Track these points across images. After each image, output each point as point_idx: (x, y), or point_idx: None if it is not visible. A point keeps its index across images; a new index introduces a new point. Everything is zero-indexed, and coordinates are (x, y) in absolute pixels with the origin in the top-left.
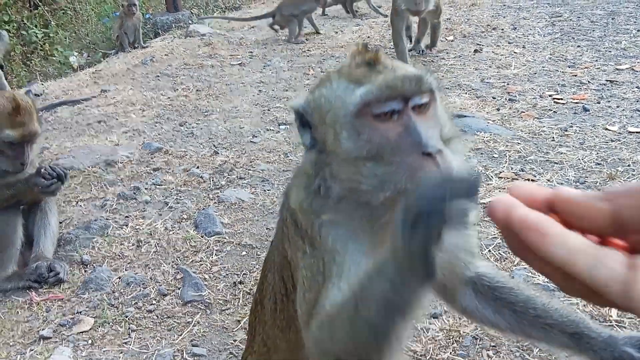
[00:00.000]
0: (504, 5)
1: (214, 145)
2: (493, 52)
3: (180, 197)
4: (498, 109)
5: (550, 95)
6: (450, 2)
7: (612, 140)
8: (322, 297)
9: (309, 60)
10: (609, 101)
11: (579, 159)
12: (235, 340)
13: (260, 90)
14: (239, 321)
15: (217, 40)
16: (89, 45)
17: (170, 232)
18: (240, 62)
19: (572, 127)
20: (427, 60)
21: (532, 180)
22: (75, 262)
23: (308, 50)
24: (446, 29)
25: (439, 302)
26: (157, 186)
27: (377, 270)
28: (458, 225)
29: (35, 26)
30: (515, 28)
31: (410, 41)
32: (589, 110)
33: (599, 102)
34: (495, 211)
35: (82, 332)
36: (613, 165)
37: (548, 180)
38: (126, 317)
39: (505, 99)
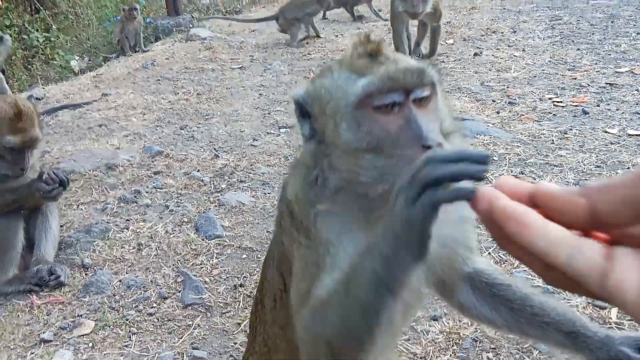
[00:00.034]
0: (504, 9)
1: (215, 149)
2: (493, 55)
3: (181, 200)
4: (498, 112)
5: (550, 98)
6: (450, 5)
7: (612, 143)
8: (315, 287)
9: (310, 64)
10: (609, 104)
11: (578, 162)
12: (235, 343)
13: (260, 94)
14: (239, 324)
15: (218, 44)
16: (90, 49)
17: (171, 235)
18: (240, 65)
19: (571, 130)
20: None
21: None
22: (76, 265)
23: (308, 54)
24: (446, 32)
25: (439, 305)
26: (158, 189)
27: (370, 247)
28: (461, 203)
29: (37, 30)
30: (515, 31)
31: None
32: (588, 113)
33: (598, 105)
34: (479, 202)
35: (82, 335)
36: (613, 167)
37: None
38: (127, 320)
39: (505, 102)
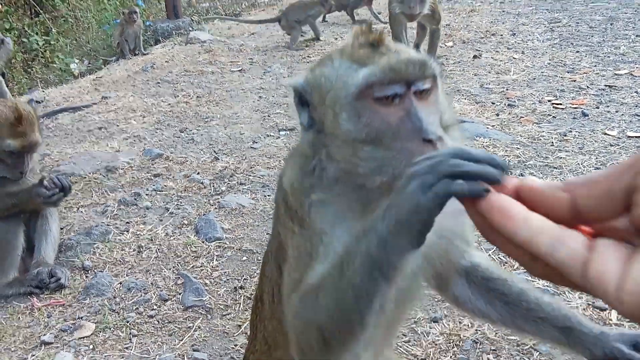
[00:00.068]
0: (503, 11)
1: (215, 151)
2: (492, 57)
3: (181, 202)
4: (497, 114)
5: (549, 101)
6: (450, 8)
7: (611, 145)
8: (307, 275)
9: (309, 66)
10: (608, 106)
11: (578, 164)
12: (236, 345)
13: (260, 97)
14: (239, 326)
15: (217, 47)
16: (89, 52)
17: (171, 238)
18: (240, 68)
19: (571, 132)
20: None
21: None
22: (76, 267)
23: (308, 56)
24: (445, 34)
25: (439, 307)
26: (158, 192)
27: (366, 230)
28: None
29: (37, 33)
30: (515, 34)
31: None
32: (588, 115)
33: (597, 107)
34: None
35: (83, 338)
36: None
37: None
38: (127, 322)
39: (505, 104)
